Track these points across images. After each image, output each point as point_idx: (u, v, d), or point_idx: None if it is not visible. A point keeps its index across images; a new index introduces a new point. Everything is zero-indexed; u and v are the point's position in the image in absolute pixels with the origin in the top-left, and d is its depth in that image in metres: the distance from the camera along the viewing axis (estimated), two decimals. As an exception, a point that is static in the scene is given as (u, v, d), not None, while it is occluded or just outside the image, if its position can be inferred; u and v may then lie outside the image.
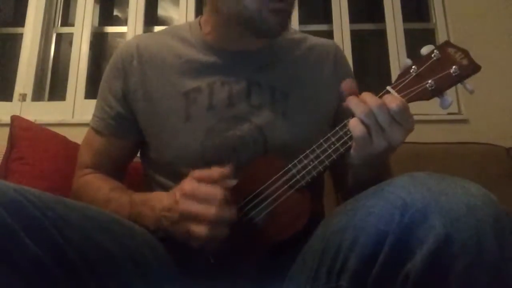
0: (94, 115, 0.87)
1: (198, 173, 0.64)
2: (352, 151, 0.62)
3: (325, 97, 0.84)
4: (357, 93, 0.61)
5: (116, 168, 0.87)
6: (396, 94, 0.63)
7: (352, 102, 0.59)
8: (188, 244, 0.62)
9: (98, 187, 0.80)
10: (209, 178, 0.62)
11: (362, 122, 0.58)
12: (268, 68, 0.82)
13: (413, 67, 0.64)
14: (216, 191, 0.60)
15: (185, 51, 0.83)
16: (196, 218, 0.60)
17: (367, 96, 0.59)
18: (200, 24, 0.86)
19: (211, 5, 0.81)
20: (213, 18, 0.83)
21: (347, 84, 0.63)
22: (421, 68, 0.63)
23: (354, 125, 0.58)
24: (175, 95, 0.79)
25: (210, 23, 0.84)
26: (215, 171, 0.63)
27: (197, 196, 0.61)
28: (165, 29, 0.91)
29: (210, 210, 0.59)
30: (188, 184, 0.63)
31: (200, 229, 0.60)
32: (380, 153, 0.59)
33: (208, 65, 0.81)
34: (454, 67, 0.62)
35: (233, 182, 0.63)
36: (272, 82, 0.81)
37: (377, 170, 0.67)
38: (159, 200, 0.68)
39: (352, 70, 0.96)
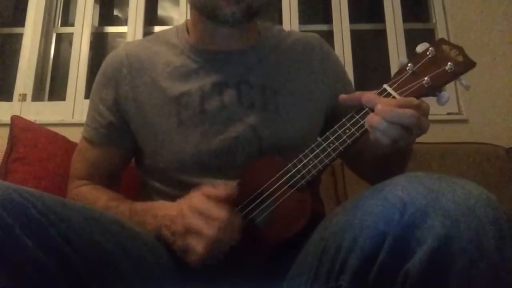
0: (85, 125, 0.86)
1: (207, 189, 0.63)
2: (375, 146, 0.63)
3: (316, 89, 0.85)
4: (358, 97, 0.62)
5: (110, 177, 0.87)
6: (393, 92, 0.63)
7: (376, 122, 0.59)
8: (184, 258, 0.62)
9: (95, 198, 0.79)
10: (217, 196, 0.62)
11: (388, 134, 0.59)
12: (256, 67, 0.82)
13: (409, 65, 0.64)
14: (221, 212, 0.60)
15: (172, 57, 0.83)
16: (197, 233, 0.60)
17: (385, 110, 0.59)
18: (187, 27, 0.87)
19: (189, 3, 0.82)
20: (191, 16, 0.84)
21: (344, 97, 0.64)
22: (417, 66, 0.64)
23: (381, 137, 0.59)
24: (166, 100, 0.79)
25: (191, 23, 0.85)
26: (223, 191, 0.62)
27: (203, 213, 0.61)
28: (153, 35, 0.91)
29: (211, 229, 0.59)
30: (197, 199, 0.62)
31: (198, 245, 0.59)
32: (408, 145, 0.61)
33: (196, 69, 0.81)
34: (449, 63, 0.63)
35: (233, 184, 0.63)
36: (262, 81, 0.81)
37: (406, 152, 0.69)
38: (162, 209, 0.68)
39: (352, 70, 0.96)
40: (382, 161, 0.73)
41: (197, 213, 0.61)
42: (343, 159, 0.96)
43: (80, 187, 0.84)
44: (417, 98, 0.61)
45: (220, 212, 0.60)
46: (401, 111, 0.57)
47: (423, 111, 0.59)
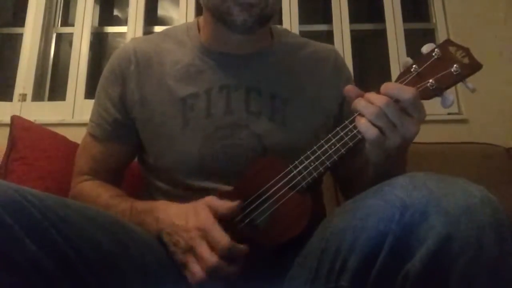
0: (90, 121, 0.86)
1: (213, 202, 0.64)
2: (367, 152, 0.62)
3: (325, 103, 0.83)
4: (363, 95, 0.61)
5: (114, 173, 0.86)
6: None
7: (360, 104, 0.59)
8: (181, 272, 0.62)
9: (97, 194, 0.79)
10: (221, 212, 0.62)
11: (373, 123, 0.58)
12: (267, 74, 0.81)
13: (414, 66, 0.63)
14: (224, 241, 0.59)
15: (182, 56, 0.82)
16: (198, 257, 0.60)
17: (373, 96, 0.59)
18: (198, 25, 0.86)
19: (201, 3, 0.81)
20: (204, 16, 0.83)
21: (350, 88, 0.63)
22: (422, 67, 0.63)
23: (366, 128, 0.58)
24: (172, 101, 0.78)
25: (203, 22, 0.84)
26: (228, 206, 0.63)
27: (208, 235, 0.60)
28: (163, 31, 0.90)
29: (211, 258, 0.59)
30: (205, 217, 0.62)
31: (198, 268, 0.60)
32: (396, 149, 0.59)
33: (205, 70, 0.80)
34: (455, 65, 0.62)
35: (238, 201, 0.63)
36: (272, 89, 0.80)
37: (396, 164, 0.67)
38: (163, 211, 0.67)
39: (352, 70, 0.95)
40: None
41: (203, 235, 0.60)
42: (341, 187, 0.93)
43: (83, 182, 0.84)
44: (422, 100, 0.61)
45: (222, 240, 0.59)
46: (380, 100, 0.57)
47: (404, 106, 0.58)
